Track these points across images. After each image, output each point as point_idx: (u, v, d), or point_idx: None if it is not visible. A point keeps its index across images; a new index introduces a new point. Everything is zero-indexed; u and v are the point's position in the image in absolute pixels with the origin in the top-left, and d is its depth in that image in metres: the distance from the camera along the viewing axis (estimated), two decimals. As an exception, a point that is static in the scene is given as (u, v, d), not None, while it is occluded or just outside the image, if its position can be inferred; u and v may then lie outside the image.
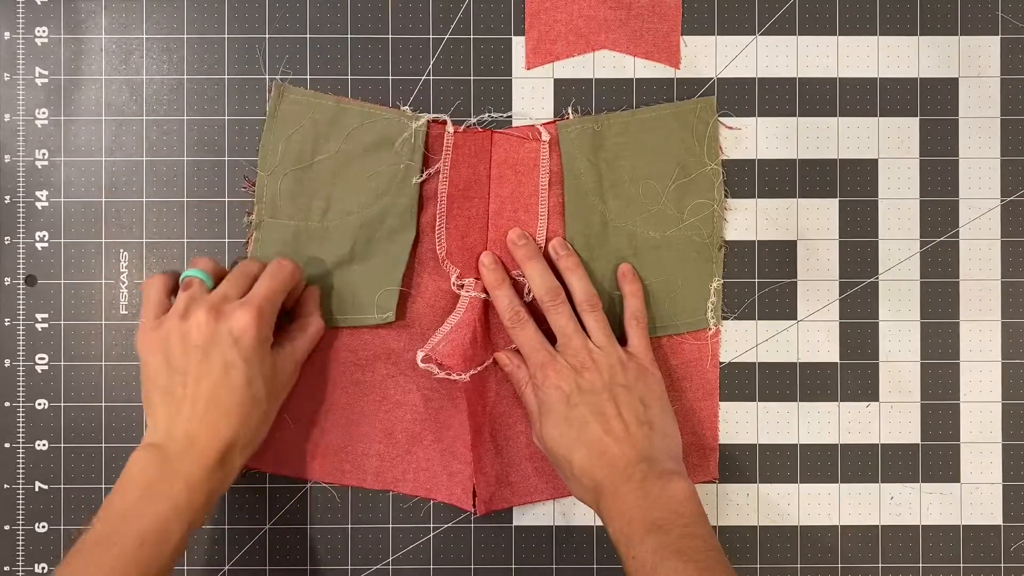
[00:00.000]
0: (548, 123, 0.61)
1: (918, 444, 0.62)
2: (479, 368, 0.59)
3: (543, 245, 0.61)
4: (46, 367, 0.61)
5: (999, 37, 0.62)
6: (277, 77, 0.61)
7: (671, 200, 0.61)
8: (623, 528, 0.52)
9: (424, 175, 0.60)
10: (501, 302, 0.59)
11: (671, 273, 0.61)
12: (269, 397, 0.55)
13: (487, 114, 0.61)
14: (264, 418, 0.55)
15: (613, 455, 0.54)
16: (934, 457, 0.62)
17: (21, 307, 0.61)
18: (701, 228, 0.61)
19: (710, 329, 0.61)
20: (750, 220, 0.62)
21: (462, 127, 0.61)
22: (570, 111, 0.61)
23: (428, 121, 0.60)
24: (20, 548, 0.61)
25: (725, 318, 0.62)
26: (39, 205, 0.61)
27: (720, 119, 0.62)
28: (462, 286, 0.60)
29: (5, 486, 0.61)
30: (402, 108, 0.61)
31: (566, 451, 0.56)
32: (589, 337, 0.58)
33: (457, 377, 0.59)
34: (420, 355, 0.59)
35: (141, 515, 0.51)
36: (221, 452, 0.52)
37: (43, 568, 0.61)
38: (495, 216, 0.61)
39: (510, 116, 0.61)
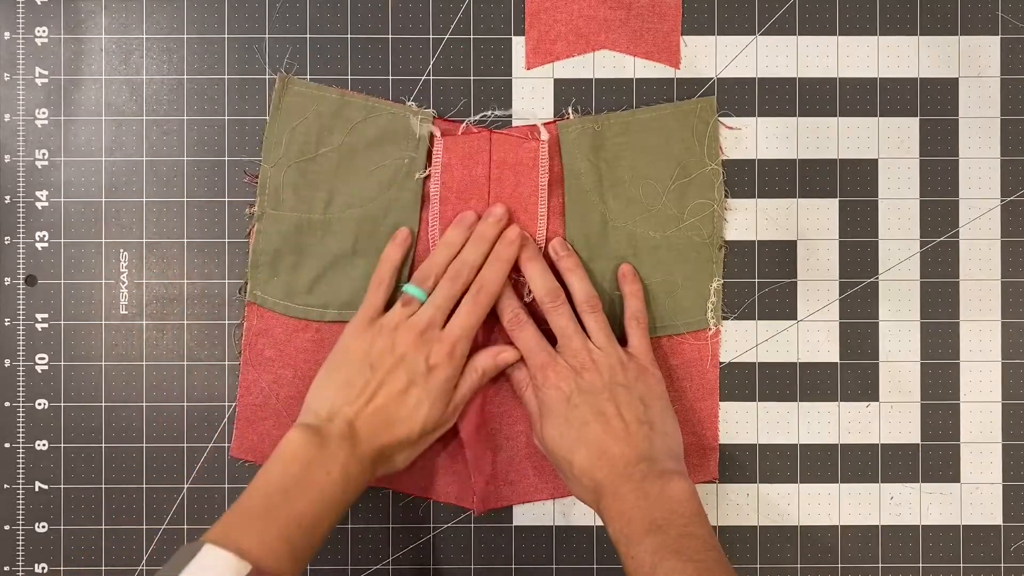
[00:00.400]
0: (548, 123, 0.61)
1: (918, 444, 0.62)
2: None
3: (543, 245, 0.61)
4: (46, 367, 0.61)
5: (999, 37, 0.62)
6: (281, 69, 0.61)
7: (671, 200, 0.61)
8: (623, 528, 0.52)
9: (427, 171, 0.60)
10: (501, 303, 0.59)
11: (671, 273, 0.61)
12: (427, 428, 0.56)
13: (490, 112, 0.61)
14: (414, 445, 0.57)
15: (613, 455, 0.54)
16: (934, 457, 0.62)
17: (21, 307, 0.61)
18: (701, 228, 0.61)
19: (710, 329, 0.61)
20: (750, 220, 0.62)
21: (461, 127, 0.61)
22: (570, 111, 0.61)
23: (433, 117, 0.61)
24: (20, 548, 0.61)
25: (725, 318, 0.62)
26: (39, 205, 0.61)
27: (720, 119, 0.62)
28: None
29: (5, 486, 0.61)
30: (407, 103, 0.61)
31: (566, 451, 0.56)
32: (589, 338, 0.58)
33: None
34: None
35: (302, 494, 0.52)
36: (376, 453, 0.55)
37: (43, 568, 0.61)
38: None
39: (510, 115, 0.61)
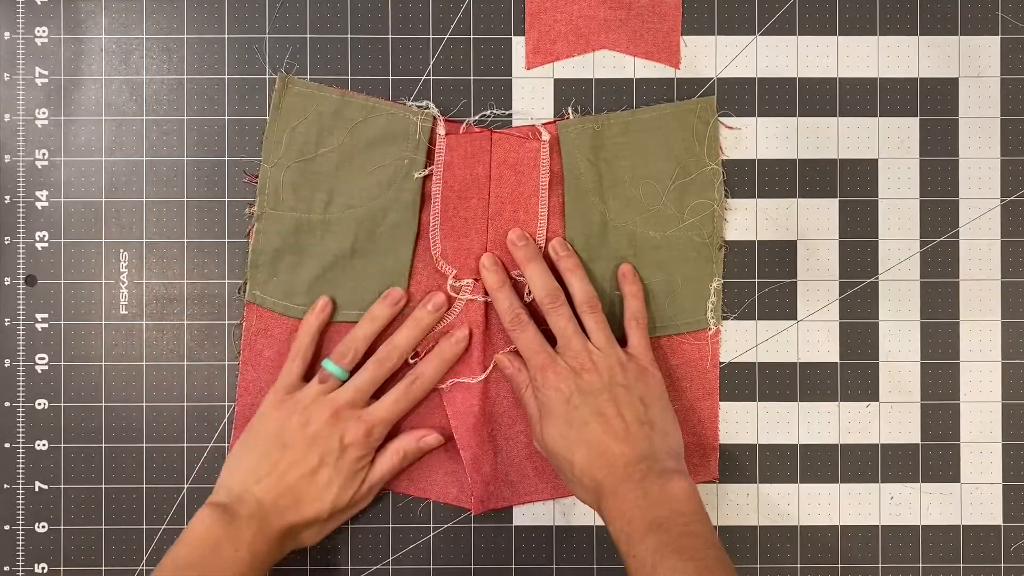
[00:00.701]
0: (548, 123, 0.61)
1: (918, 444, 0.62)
2: (473, 380, 0.60)
3: (543, 245, 0.61)
4: (46, 367, 0.61)
5: (999, 37, 0.62)
6: (281, 69, 0.61)
7: (671, 200, 0.61)
8: (624, 527, 0.52)
9: (427, 170, 0.60)
10: (501, 304, 0.59)
11: (671, 273, 0.61)
12: (337, 507, 0.57)
13: (489, 111, 0.61)
14: (324, 524, 0.58)
15: (613, 455, 0.54)
16: (934, 457, 0.62)
17: (21, 307, 0.61)
18: (701, 228, 0.61)
19: (710, 329, 0.61)
20: (750, 220, 0.62)
21: (461, 127, 0.61)
22: (570, 111, 0.61)
23: (433, 117, 0.61)
24: (20, 548, 0.61)
25: (725, 318, 0.62)
26: (39, 205, 0.61)
27: (720, 119, 0.62)
28: (459, 288, 0.60)
29: (5, 486, 0.61)
30: (407, 103, 0.61)
31: (567, 452, 0.56)
32: (589, 338, 0.58)
33: (438, 387, 0.60)
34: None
35: (211, 574, 0.53)
36: (284, 531, 0.56)
37: (43, 568, 0.61)
38: (495, 216, 0.61)
39: (511, 115, 0.61)
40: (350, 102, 0.60)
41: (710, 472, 0.62)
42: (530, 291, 0.60)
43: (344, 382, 0.58)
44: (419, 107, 0.61)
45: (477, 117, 0.61)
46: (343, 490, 0.57)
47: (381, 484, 0.59)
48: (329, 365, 0.58)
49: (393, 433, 0.60)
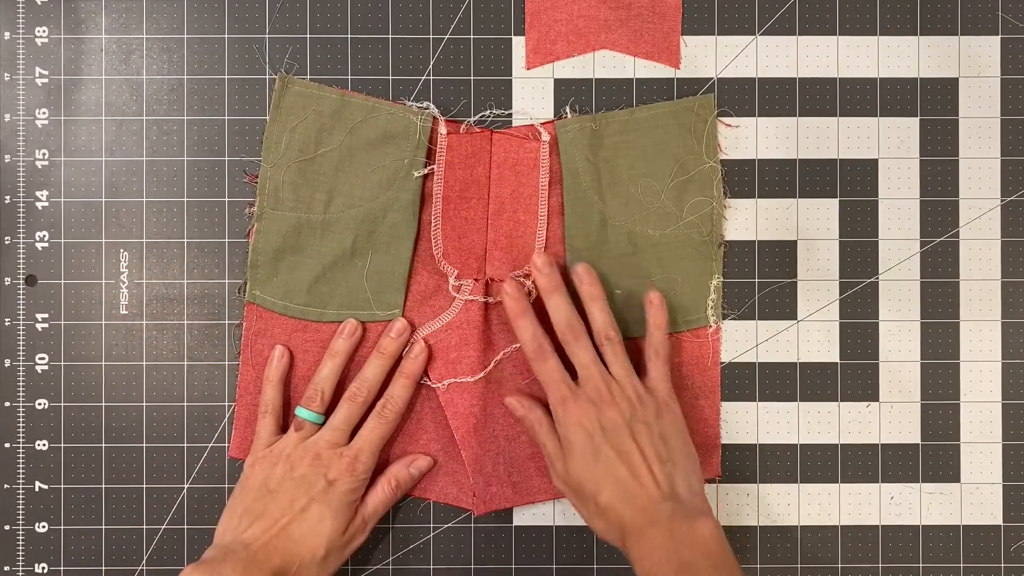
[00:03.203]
0: (547, 123, 0.61)
1: (918, 444, 0.62)
2: (472, 379, 0.60)
3: (544, 245, 0.61)
4: (46, 367, 0.61)
5: (999, 37, 0.62)
6: (280, 69, 0.61)
7: (670, 198, 0.61)
8: (650, 568, 0.52)
9: (426, 169, 0.60)
10: (524, 333, 0.58)
11: (671, 271, 0.61)
12: (332, 542, 0.56)
13: (489, 111, 0.61)
14: (325, 562, 0.57)
15: (639, 496, 0.54)
16: (934, 457, 0.62)
17: (21, 307, 0.61)
18: (700, 226, 0.61)
19: (711, 327, 0.61)
20: (750, 220, 0.62)
21: (462, 127, 0.61)
22: (568, 110, 0.61)
23: (433, 117, 0.61)
24: (20, 548, 0.61)
25: (726, 316, 0.62)
26: (39, 205, 0.61)
27: (719, 117, 0.62)
28: (460, 287, 0.60)
29: (5, 486, 0.61)
30: (407, 103, 0.61)
31: (592, 490, 0.55)
32: (608, 369, 0.58)
33: (434, 385, 0.60)
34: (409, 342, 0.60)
35: None
36: (275, 572, 0.55)
37: (43, 568, 0.61)
38: (495, 216, 0.61)
39: (511, 114, 0.61)
40: (350, 102, 0.60)
41: (713, 469, 0.62)
42: (535, 283, 0.60)
43: (320, 425, 0.58)
44: (419, 107, 0.61)
45: (477, 117, 0.61)
46: (336, 523, 0.56)
47: (377, 517, 0.59)
48: (302, 412, 0.58)
49: (385, 462, 0.60)
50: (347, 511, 0.57)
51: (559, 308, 0.59)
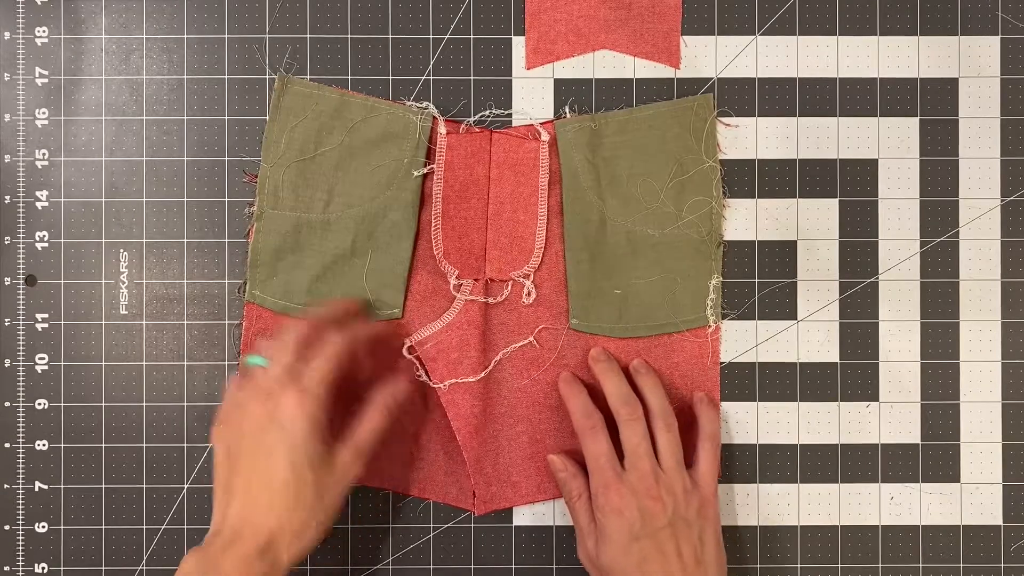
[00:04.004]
0: (546, 123, 0.61)
1: (918, 444, 0.62)
2: (473, 379, 0.60)
3: (543, 247, 0.61)
4: (46, 367, 0.61)
5: (999, 37, 0.62)
6: (280, 69, 0.61)
7: (669, 198, 0.61)
8: None
9: (426, 169, 0.60)
10: (575, 404, 0.58)
11: (670, 271, 0.61)
12: (318, 486, 0.52)
13: (489, 111, 0.61)
14: (312, 509, 0.52)
15: None
16: (934, 457, 0.62)
17: (21, 307, 0.61)
18: (700, 226, 0.61)
19: (710, 327, 0.61)
20: (750, 220, 0.62)
21: (461, 127, 0.61)
22: (567, 110, 0.61)
23: (432, 116, 0.61)
24: (20, 548, 0.61)
25: (725, 316, 0.62)
26: (39, 205, 0.61)
27: (718, 117, 0.62)
28: (460, 287, 0.60)
29: (5, 486, 0.61)
30: (407, 103, 0.61)
31: None
32: (658, 458, 0.57)
33: (435, 385, 0.60)
34: (406, 344, 0.60)
35: None
36: (261, 545, 0.51)
37: (43, 568, 0.61)
38: (494, 216, 0.61)
39: (510, 114, 0.61)
40: (350, 102, 0.60)
41: None
42: (530, 292, 0.60)
43: None
44: (419, 107, 0.61)
45: (477, 117, 0.61)
46: (306, 474, 0.51)
47: (371, 446, 0.55)
48: (253, 359, 0.54)
49: (379, 456, 0.58)
50: (311, 446, 0.52)
51: (618, 385, 0.58)
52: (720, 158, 0.62)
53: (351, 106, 0.60)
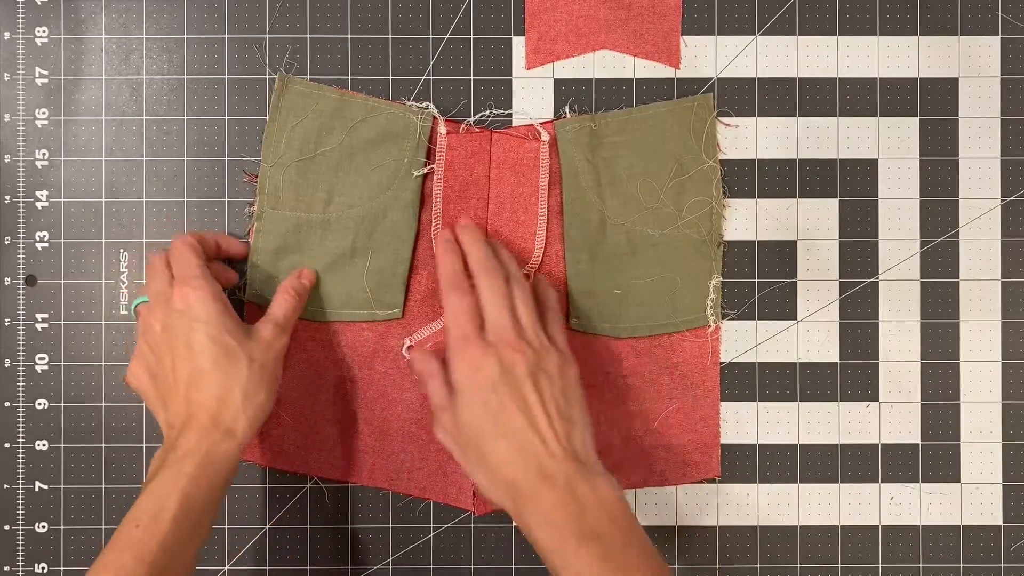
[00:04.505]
0: (546, 123, 0.61)
1: (918, 444, 0.62)
2: (437, 325, 0.60)
3: (543, 247, 0.61)
4: (46, 367, 0.61)
5: (999, 37, 0.62)
6: (280, 69, 0.61)
7: (669, 198, 0.61)
8: (550, 534, 0.48)
9: (426, 169, 0.60)
10: (447, 263, 0.57)
11: (670, 271, 0.61)
12: (246, 352, 0.54)
13: (489, 111, 0.61)
14: (248, 375, 0.53)
15: (536, 452, 0.50)
16: (934, 457, 0.62)
17: (21, 307, 0.61)
18: (699, 225, 0.61)
19: (710, 327, 0.61)
20: (750, 220, 0.62)
21: (461, 127, 0.61)
22: (567, 110, 0.61)
23: (432, 116, 0.61)
24: (20, 548, 0.61)
25: (725, 316, 0.62)
26: (39, 205, 0.61)
27: (718, 117, 0.62)
28: None
29: (5, 486, 0.61)
30: (407, 103, 0.61)
31: (481, 441, 0.51)
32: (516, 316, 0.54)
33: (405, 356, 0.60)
34: (405, 343, 0.60)
35: (138, 501, 0.51)
36: (212, 416, 0.52)
37: (43, 568, 0.61)
38: (494, 217, 0.61)
39: (510, 114, 0.61)
40: (350, 102, 0.60)
41: (713, 469, 0.62)
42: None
43: None
44: (419, 107, 0.61)
45: (477, 117, 0.61)
46: (222, 335, 0.53)
47: (290, 321, 0.57)
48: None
49: (383, 456, 0.59)
50: (223, 316, 0.54)
51: (477, 244, 0.57)
52: (720, 158, 0.62)
53: (351, 106, 0.60)
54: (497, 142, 0.61)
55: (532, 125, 0.61)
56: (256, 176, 0.61)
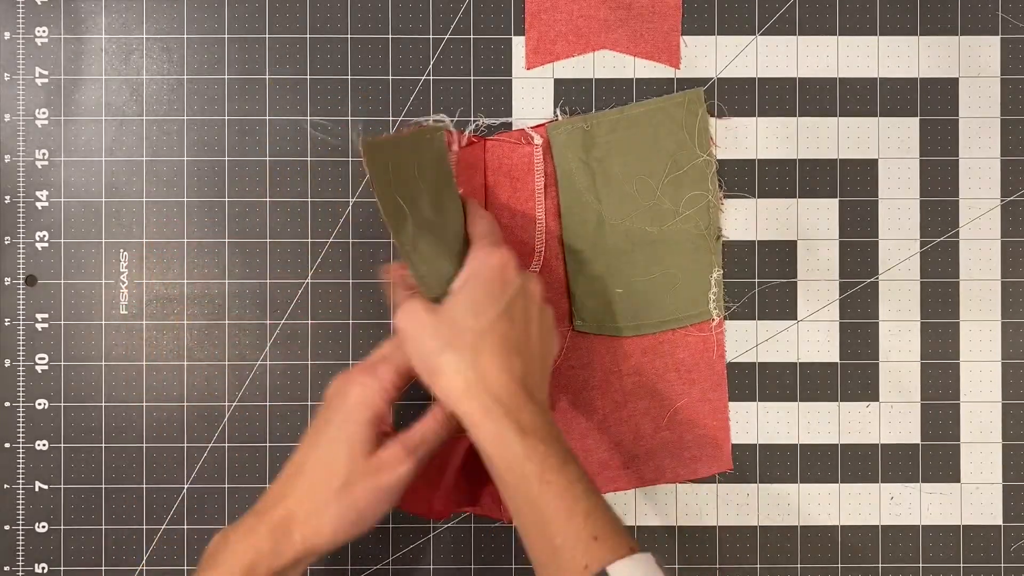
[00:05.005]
0: (538, 126, 0.61)
1: (918, 444, 0.62)
2: None
3: (543, 251, 0.61)
4: (46, 367, 0.61)
5: (999, 37, 0.62)
6: (360, 134, 0.61)
7: (665, 194, 0.61)
8: (535, 448, 0.48)
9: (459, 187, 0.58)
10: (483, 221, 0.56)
11: (670, 267, 0.61)
12: (350, 471, 0.49)
13: (479, 120, 0.61)
14: (336, 494, 0.49)
15: (522, 366, 0.50)
16: (934, 457, 0.62)
17: (21, 307, 0.61)
18: (697, 220, 0.61)
19: (714, 320, 0.61)
20: (750, 219, 0.62)
21: (463, 139, 0.61)
22: (559, 112, 0.61)
23: (447, 131, 0.60)
24: (20, 548, 0.61)
25: (728, 309, 0.62)
26: (39, 205, 0.61)
27: (717, 116, 0.62)
28: None
29: (5, 486, 0.61)
30: (427, 121, 0.60)
31: (467, 343, 0.50)
32: None
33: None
34: None
35: None
36: (275, 521, 0.49)
37: (43, 568, 0.61)
38: None
39: (502, 122, 0.61)
40: (400, 140, 0.57)
41: (725, 463, 0.62)
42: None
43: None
44: (436, 121, 0.61)
45: (471, 128, 0.61)
46: (347, 445, 0.49)
47: (423, 449, 0.51)
48: None
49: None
50: (362, 429, 0.49)
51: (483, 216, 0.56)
52: (720, 157, 0.62)
53: (404, 143, 0.56)
54: (491, 149, 0.61)
55: (523, 130, 0.61)
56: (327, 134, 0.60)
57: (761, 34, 0.62)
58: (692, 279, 0.61)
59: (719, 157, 0.62)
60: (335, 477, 0.49)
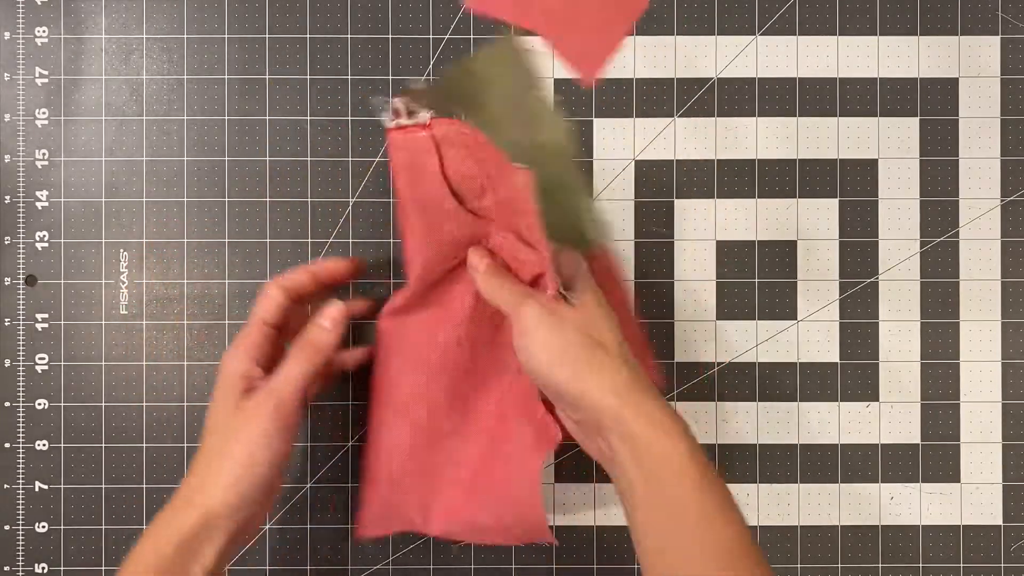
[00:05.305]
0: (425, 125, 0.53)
1: (918, 444, 0.62)
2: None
3: (492, 245, 0.55)
4: (46, 367, 0.61)
5: (999, 37, 0.62)
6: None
7: (519, 135, 0.53)
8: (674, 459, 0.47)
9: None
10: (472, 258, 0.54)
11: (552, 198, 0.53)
12: (229, 425, 0.52)
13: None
14: (219, 443, 0.52)
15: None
16: (934, 457, 0.62)
17: (21, 307, 0.61)
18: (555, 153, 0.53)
19: (598, 247, 0.56)
20: (750, 220, 0.62)
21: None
22: (403, 110, 0.53)
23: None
24: (20, 548, 0.61)
25: (725, 318, 0.62)
26: (39, 205, 0.61)
27: (716, 115, 0.62)
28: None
29: (5, 486, 0.61)
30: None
31: (611, 364, 0.49)
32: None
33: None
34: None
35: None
36: (177, 498, 0.51)
37: (43, 568, 0.61)
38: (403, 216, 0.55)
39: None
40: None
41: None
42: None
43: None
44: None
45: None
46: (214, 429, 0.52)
47: (289, 395, 0.52)
48: None
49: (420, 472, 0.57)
50: (228, 391, 0.53)
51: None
52: (720, 157, 0.62)
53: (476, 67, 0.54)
54: (393, 144, 0.53)
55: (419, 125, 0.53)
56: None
57: (761, 34, 0.62)
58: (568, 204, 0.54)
59: (719, 157, 0.62)
60: (214, 436, 0.52)
